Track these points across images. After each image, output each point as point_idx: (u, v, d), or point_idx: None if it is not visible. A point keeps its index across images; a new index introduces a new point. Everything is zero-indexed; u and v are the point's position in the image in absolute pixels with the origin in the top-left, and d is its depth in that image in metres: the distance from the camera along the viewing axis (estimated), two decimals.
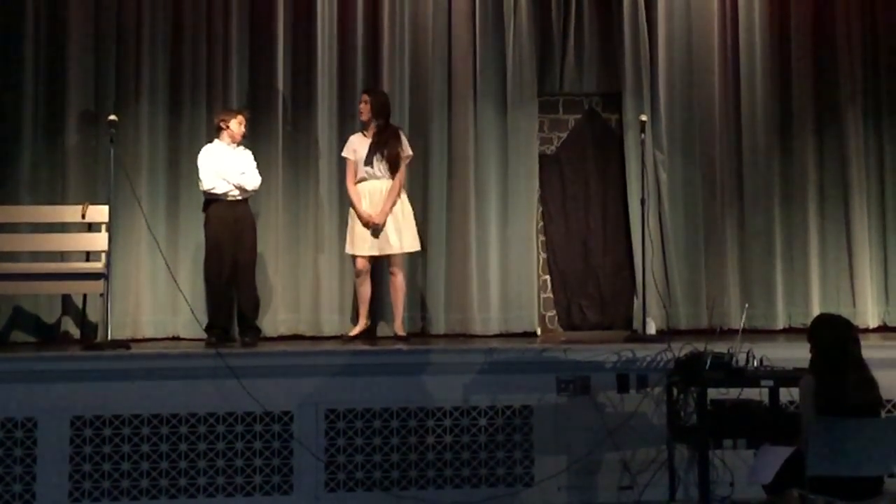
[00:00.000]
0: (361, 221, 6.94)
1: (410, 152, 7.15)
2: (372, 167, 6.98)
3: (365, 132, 7.12)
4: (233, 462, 5.91)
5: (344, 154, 7.18)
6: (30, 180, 7.50)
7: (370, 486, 5.95)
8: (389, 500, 5.92)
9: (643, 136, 7.14)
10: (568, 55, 8.00)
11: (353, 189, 7.03)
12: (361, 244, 6.97)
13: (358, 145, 7.07)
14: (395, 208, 6.99)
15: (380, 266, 7.28)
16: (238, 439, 5.92)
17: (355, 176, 7.03)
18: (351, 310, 7.50)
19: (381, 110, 7.06)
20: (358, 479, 5.96)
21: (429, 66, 7.87)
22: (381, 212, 6.92)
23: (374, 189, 6.99)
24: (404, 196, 7.10)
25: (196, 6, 7.73)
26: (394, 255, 7.03)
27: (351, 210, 7.08)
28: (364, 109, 7.09)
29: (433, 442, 6.00)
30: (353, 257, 7.07)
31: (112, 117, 6.76)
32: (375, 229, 6.92)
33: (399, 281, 7.06)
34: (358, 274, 7.06)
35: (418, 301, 7.74)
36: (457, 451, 6.01)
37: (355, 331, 7.10)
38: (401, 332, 7.05)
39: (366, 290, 7.09)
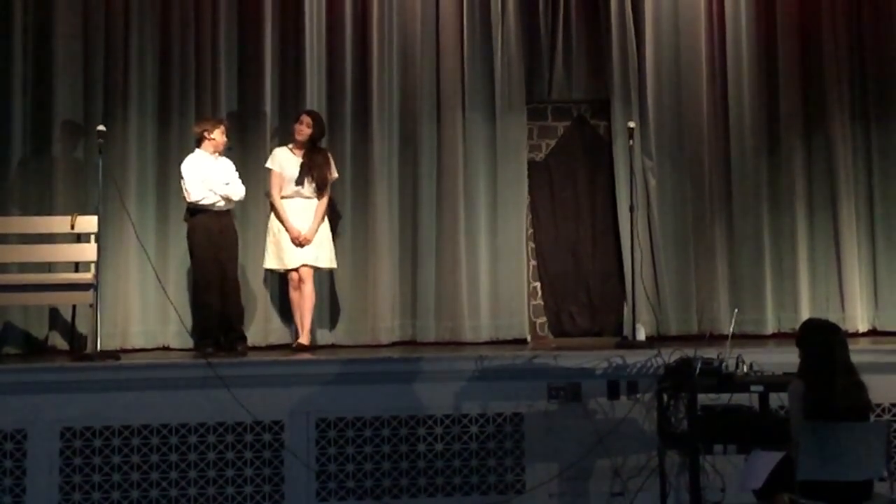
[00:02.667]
0: (291, 236, 7.05)
1: (336, 175, 7.29)
2: (302, 187, 7.11)
3: (293, 149, 7.21)
4: (223, 472, 5.90)
5: (269, 165, 7.23)
6: (18, 191, 7.49)
7: (361, 495, 5.95)
8: None
9: (632, 142, 7.16)
10: (556, 62, 8.01)
11: (279, 202, 7.13)
12: (290, 258, 7.08)
13: (285, 161, 7.18)
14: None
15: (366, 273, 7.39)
16: (229, 449, 5.91)
17: (281, 189, 7.13)
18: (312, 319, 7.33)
19: (320, 133, 7.23)
20: (349, 488, 5.95)
21: (417, 74, 7.88)
22: (311, 230, 7.07)
23: (301, 207, 7.12)
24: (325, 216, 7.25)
25: (184, 16, 7.73)
26: (308, 269, 7.10)
27: (273, 225, 7.13)
28: (305, 131, 7.17)
29: (424, 450, 6.00)
30: (287, 271, 7.14)
31: (100, 127, 6.75)
32: (304, 244, 7.06)
33: (308, 290, 7.11)
34: (295, 286, 7.12)
35: (409, 309, 7.73)
36: (448, 459, 6.01)
37: (306, 339, 7.09)
38: (305, 342, 7.05)
39: (300, 301, 7.15)
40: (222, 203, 6.94)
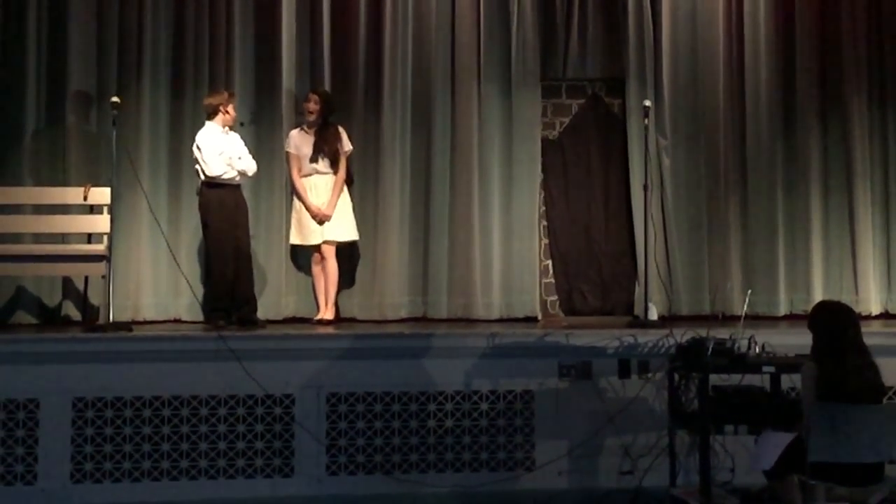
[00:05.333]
0: (311, 213, 7.16)
1: (350, 148, 7.35)
2: (317, 163, 7.22)
3: (306, 129, 7.30)
4: (234, 444, 5.91)
5: (287, 149, 7.33)
6: (32, 162, 7.51)
7: (371, 470, 5.96)
8: (390, 483, 5.93)
9: (647, 121, 7.12)
10: (571, 40, 7.97)
11: (299, 182, 7.28)
12: (310, 234, 7.22)
13: (300, 142, 7.30)
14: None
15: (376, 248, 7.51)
16: (240, 422, 5.92)
17: (300, 170, 7.26)
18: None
19: (328, 109, 7.30)
20: (359, 463, 5.97)
21: (432, 50, 7.85)
22: (329, 204, 7.21)
23: (319, 183, 7.26)
24: (345, 188, 7.33)
25: None
26: (330, 243, 7.23)
27: (295, 203, 7.28)
28: (314, 109, 7.28)
29: (434, 426, 6.01)
30: (309, 247, 7.28)
31: (114, 99, 6.74)
32: (324, 220, 7.16)
33: (331, 267, 7.26)
34: (318, 262, 7.27)
35: (420, 285, 7.73)
36: (458, 436, 6.02)
37: (325, 314, 7.22)
38: (330, 316, 7.21)
39: (322, 277, 7.29)
40: (238, 177, 6.93)
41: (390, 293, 7.64)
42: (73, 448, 5.81)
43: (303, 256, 7.56)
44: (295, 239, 7.34)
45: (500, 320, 7.59)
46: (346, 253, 7.53)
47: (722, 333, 5.47)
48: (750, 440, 5.31)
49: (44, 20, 7.55)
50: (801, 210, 7.82)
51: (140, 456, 5.85)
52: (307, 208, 7.21)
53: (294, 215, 7.32)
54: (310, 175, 7.25)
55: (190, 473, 5.87)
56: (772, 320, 7.52)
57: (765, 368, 5.34)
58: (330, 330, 6.82)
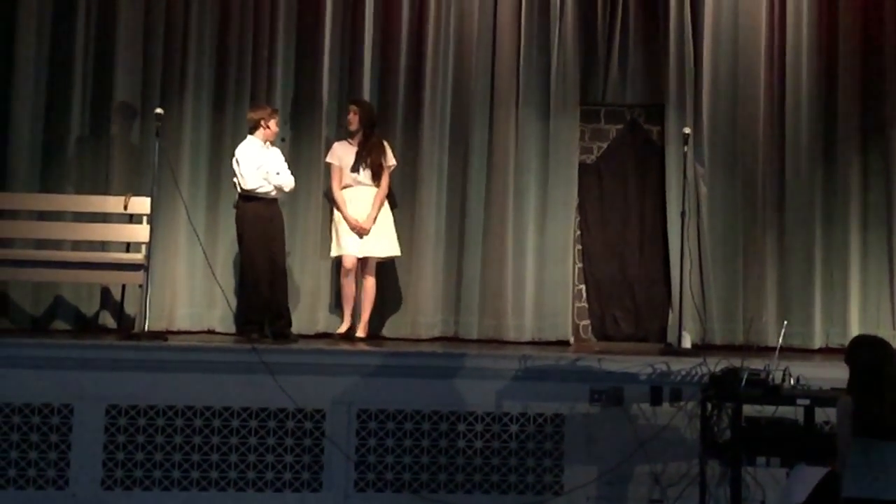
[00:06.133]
0: (349, 225, 7.14)
1: (394, 162, 7.35)
2: (358, 174, 7.20)
3: (350, 140, 7.29)
4: (264, 457, 5.94)
5: (328, 160, 7.37)
6: (74, 170, 7.61)
7: (399, 488, 5.97)
8: (418, 502, 5.93)
9: (685, 148, 7.10)
10: (612, 65, 7.97)
11: (338, 194, 7.26)
12: (348, 245, 7.17)
13: (343, 153, 7.29)
14: (379, 215, 7.22)
15: (411, 267, 7.47)
16: (270, 435, 5.95)
17: (341, 182, 7.25)
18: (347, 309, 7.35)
19: (368, 121, 7.27)
20: (387, 480, 5.97)
21: (472, 72, 7.88)
22: (368, 217, 7.17)
23: (359, 196, 7.22)
24: (386, 203, 7.31)
25: (244, 6, 7.79)
26: (370, 259, 7.22)
27: (336, 215, 7.27)
28: (353, 120, 7.27)
29: (464, 446, 6.01)
30: (341, 258, 7.24)
31: (158, 110, 6.83)
32: (362, 233, 7.13)
33: (370, 284, 7.25)
34: (346, 274, 7.24)
35: (453, 305, 7.74)
36: (487, 457, 6.01)
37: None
38: (363, 334, 7.17)
39: (352, 290, 7.26)
40: (274, 191, 6.99)
41: (424, 312, 7.65)
42: (105, 455, 5.87)
43: (335, 271, 7.57)
44: (334, 250, 7.29)
45: (532, 343, 7.56)
46: (381, 269, 7.50)
47: (756, 364, 5.43)
48: (782, 473, 5.27)
49: (91, 32, 7.66)
50: (839, 242, 7.75)
51: (171, 465, 5.89)
52: (346, 220, 7.17)
53: (334, 227, 7.29)
54: (350, 186, 7.22)
55: (219, 484, 5.91)
56: (806, 353, 7.43)
57: (799, 401, 5.29)
58: (362, 347, 6.83)
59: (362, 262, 7.24)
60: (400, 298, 7.71)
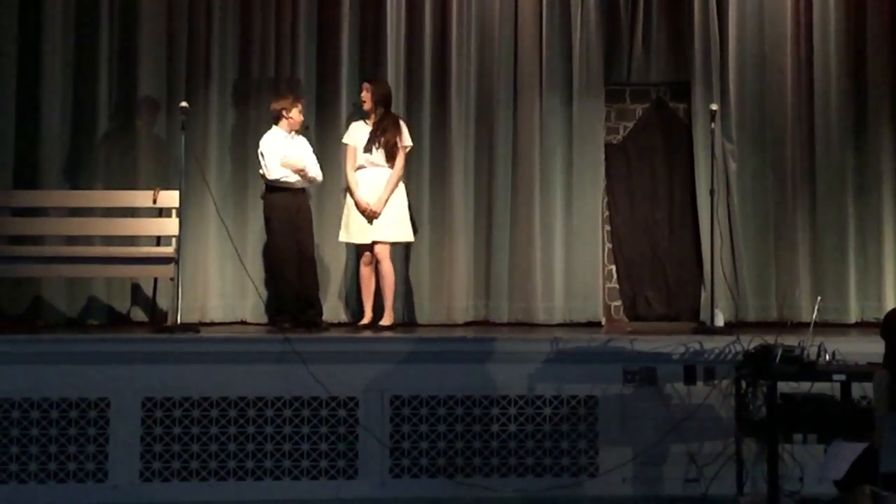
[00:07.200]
0: (359, 209, 6.97)
1: (409, 143, 7.15)
2: (371, 154, 7.01)
3: (366, 121, 7.14)
4: (299, 446, 5.97)
5: (344, 140, 7.22)
6: (103, 166, 7.64)
7: (434, 473, 5.98)
8: (454, 487, 5.94)
9: (713, 125, 7.04)
10: (636, 44, 7.91)
11: (352, 176, 7.07)
12: (357, 232, 7.00)
13: (357, 133, 7.12)
14: (392, 198, 7.00)
15: (443, 252, 7.37)
16: (304, 424, 5.98)
17: (355, 163, 7.07)
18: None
19: (382, 99, 7.10)
20: (422, 466, 5.99)
21: (495, 55, 7.85)
22: (379, 200, 6.93)
23: (371, 177, 7.02)
24: (401, 186, 7.11)
25: None
26: (383, 244, 7.02)
27: (348, 199, 7.11)
28: (366, 98, 7.12)
29: (497, 430, 6.01)
30: (357, 247, 7.12)
31: (183, 104, 6.86)
32: (372, 217, 6.94)
33: (386, 270, 7.01)
34: (363, 262, 7.09)
35: (482, 290, 7.74)
36: (521, 440, 6.01)
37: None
38: (387, 322, 6.98)
39: (370, 279, 7.09)
40: (300, 181, 6.99)
41: (454, 297, 7.64)
42: (143, 447, 5.92)
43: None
44: (343, 236, 7.15)
45: (563, 325, 7.56)
46: (400, 257, 7.50)
47: (790, 340, 5.39)
48: (819, 449, 5.23)
49: (115, 28, 7.69)
50: (872, 217, 7.66)
51: (207, 455, 5.94)
52: (356, 204, 6.98)
53: (345, 211, 7.14)
54: (363, 167, 7.03)
55: (255, 474, 5.94)
56: (841, 328, 7.37)
57: (835, 376, 5.26)
58: (392, 334, 6.84)
59: (374, 247, 7.03)
60: (430, 284, 7.69)
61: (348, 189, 7.13)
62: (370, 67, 7.75)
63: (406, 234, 7.15)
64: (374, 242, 7.03)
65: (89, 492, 5.86)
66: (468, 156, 7.79)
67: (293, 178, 6.95)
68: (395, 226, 7.04)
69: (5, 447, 5.85)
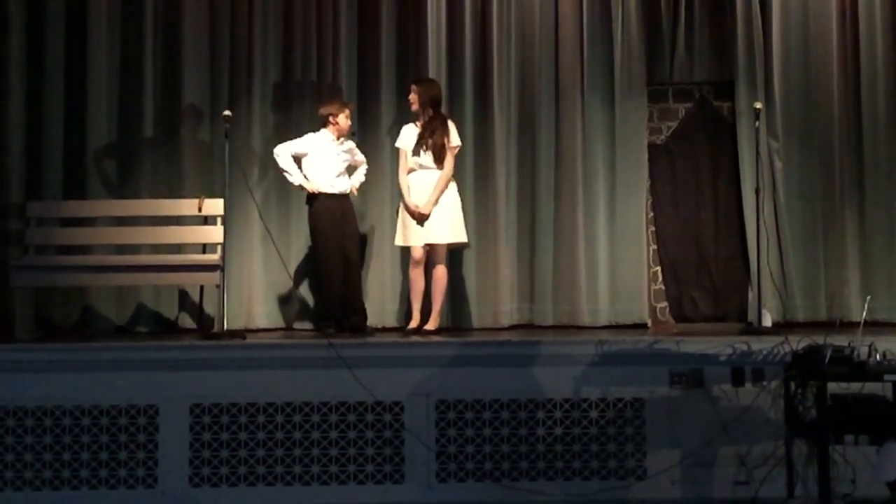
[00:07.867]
0: (408, 212, 6.94)
1: (458, 143, 7.07)
2: (419, 157, 6.97)
3: (416, 123, 7.10)
4: (345, 451, 5.99)
5: (396, 144, 7.18)
6: (149, 175, 7.75)
7: (481, 477, 5.97)
8: (500, 490, 5.92)
9: (758, 123, 6.96)
10: (678, 43, 7.86)
11: (402, 179, 7.02)
12: (411, 235, 6.96)
13: (407, 135, 7.07)
14: (443, 199, 6.95)
15: (487, 256, 7.33)
16: (350, 428, 6.00)
17: (406, 166, 7.04)
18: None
19: (430, 100, 7.02)
20: (469, 470, 5.97)
21: (536, 56, 7.83)
22: (428, 202, 6.88)
23: (422, 180, 6.96)
24: (453, 186, 7.05)
25: (306, 4, 7.85)
26: (437, 247, 6.98)
27: (401, 201, 7.09)
28: (413, 100, 7.06)
29: (544, 434, 5.98)
30: (406, 249, 7.11)
31: (227, 112, 6.91)
32: (422, 219, 6.91)
33: (440, 274, 6.98)
34: (414, 265, 7.03)
35: (527, 293, 7.72)
36: (567, 444, 5.97)
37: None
38: (433, 326, 6.94)
39: (420, 283, 7.04)
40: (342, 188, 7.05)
41: (499, 301, 7.63)
42: (192, 453, 5.96)
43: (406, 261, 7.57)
44: (398, 240, 7.13)
45: (607, 327, 7.52)
46: (454, 259, 7.48)
47: (840, 340, 5.32)
48: (872, 451, 5.15)
49: (160, 37, 7.80)
50: None
51: (255, 461, 5.97)
52: (405, 207, 6.97)
53: (399, 215, 7.12)
54: (413, 170, 6.98)
55: (303, 479, 5.97)
56: (892, 327, 7.23)
57: (887, 377, 5.17)
58: (437, 338, 6.84)
59: (429, 250, 7.01)
60: (474, 288, 7.69)
61: (400, 193, 7.12)
62: (411, 72, 7.76)
63: (460, 235, 7.09)
64: (429, 245, 7.00)
65: (140, 497, 5.92)
66: (510, 158, 7.78)
67: (336, 186, 6.99)
68: (449, 227, 6.99)
69: (58, 454, 5.94)
